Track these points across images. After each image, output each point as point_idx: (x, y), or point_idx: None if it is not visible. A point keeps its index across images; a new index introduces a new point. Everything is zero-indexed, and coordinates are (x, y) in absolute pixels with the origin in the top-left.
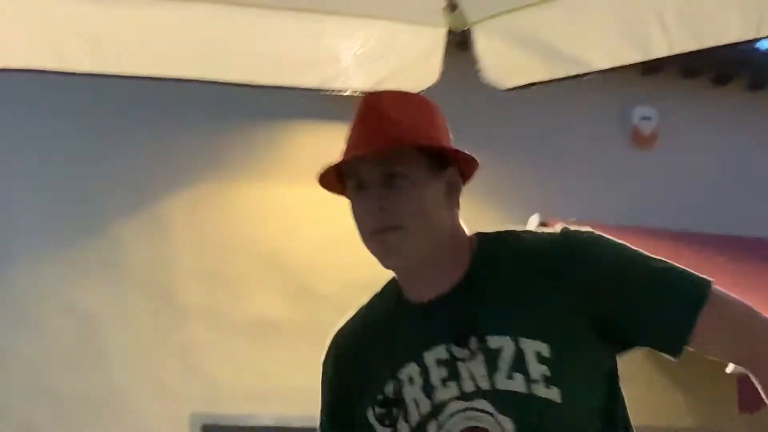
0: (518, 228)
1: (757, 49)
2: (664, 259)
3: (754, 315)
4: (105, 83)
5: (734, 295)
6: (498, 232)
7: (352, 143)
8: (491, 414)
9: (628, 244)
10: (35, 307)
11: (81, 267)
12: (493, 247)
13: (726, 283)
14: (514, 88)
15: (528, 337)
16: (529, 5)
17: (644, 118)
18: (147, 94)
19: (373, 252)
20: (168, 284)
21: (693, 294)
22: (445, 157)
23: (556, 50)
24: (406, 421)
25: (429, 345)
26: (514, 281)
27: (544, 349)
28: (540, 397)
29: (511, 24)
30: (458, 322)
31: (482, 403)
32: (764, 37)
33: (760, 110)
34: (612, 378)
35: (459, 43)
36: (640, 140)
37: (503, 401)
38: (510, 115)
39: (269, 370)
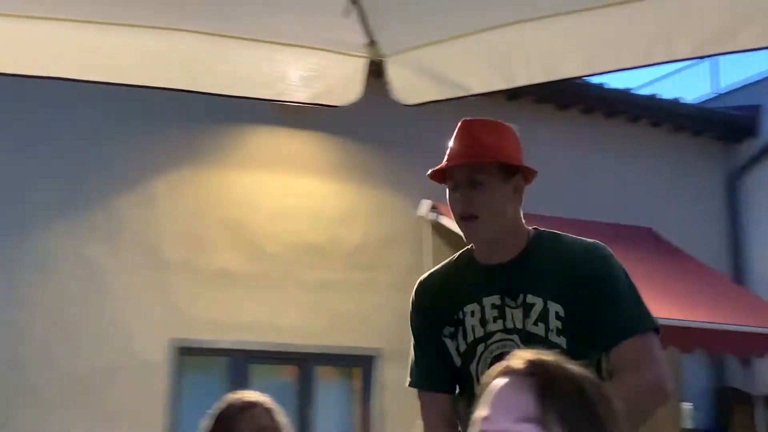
0: (562, 233)
1: (589, 83)
2: (636, 290)
3: (657, 369)
4: (110, 90)
5: (661, 352)
6: (549, 231)
7: (452, 154)
8: (518, 346)
9: (623, 268)
10: (51, 258)
11: (87, 229)
12: (543, 239)
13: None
14: (414, 105)
15: (553, 301)
16: (425, 45)
17: None
18: (142, 99)
19: (461, 229)
20: (154, 243)
21: (637, 322)
22: (514, 167)
23: (444, 78)
24: (465, 339)
25: (489, 293)
26: (551, 265)
27: (561, 310)
28: (552, 341)
29: (413, 58)
30: (511, 282)
31: (515, 338)
32: (596, 74)
33: (590, 128)
34: (599, 351)
35: (375, 71)
36: None
37: (527, 339)
38: (407, 120)
39: (229, 308)
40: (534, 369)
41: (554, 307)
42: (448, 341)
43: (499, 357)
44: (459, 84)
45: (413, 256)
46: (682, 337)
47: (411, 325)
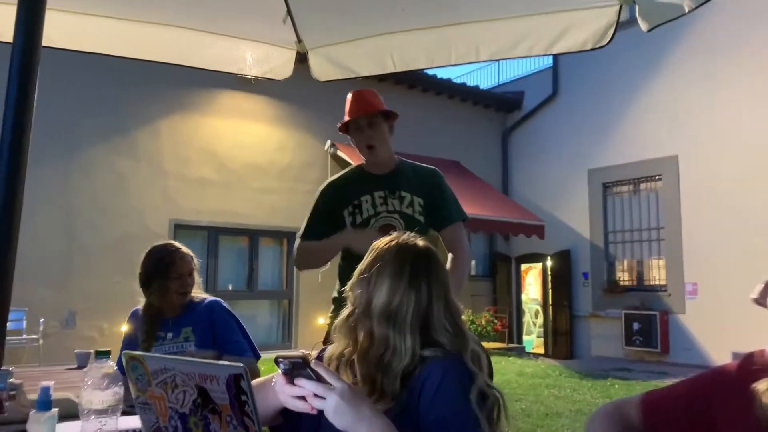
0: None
1: (427, 73)
2: (455, 195)
3: (466, 244)
4: (134, 62)
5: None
6: (401, 159)
7: (354, 110)
8: (397, 220)
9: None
10: (92, 166)
11: (116, 150)
12: (403, 161)
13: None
14: (325, 81)
15: (416, 195)
16: (333, 44)
17: None
18: (153, 69)
19: (365, 156)
20: (158, 160)
21: (457, 214)
22: (388, 114)
23: (343, 65)
24: (361, 216)
25: (377, 189)
26: (413, 175)
27: (421, 201)
28: (417, 219)
29: (325, 51)
30: (390, 183)
31: (396, 216)
32: (433, 67)
33: (425, 102)
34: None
35: (301, 58)
36: None
37: (402, 217)
38: (320, 90)
39: (206, 201)
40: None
41: (417, 199)
42: (346, 216)
43: (385, 226)
44: (352, 69)
45: (320, 173)
46: (472, 223)
47: (315, 205)
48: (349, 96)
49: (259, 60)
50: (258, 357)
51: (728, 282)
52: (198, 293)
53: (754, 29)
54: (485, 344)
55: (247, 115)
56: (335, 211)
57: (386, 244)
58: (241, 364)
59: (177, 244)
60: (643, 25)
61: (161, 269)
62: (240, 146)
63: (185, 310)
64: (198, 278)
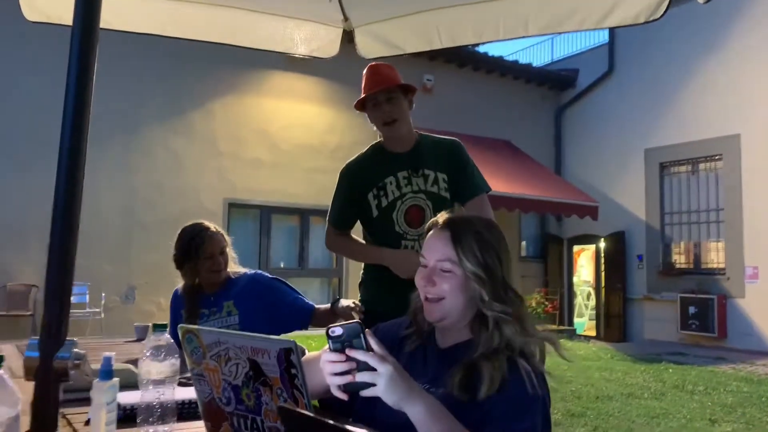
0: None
1: (477, 51)
2: (477, 168)
3: (491, 213)
4: (192, 44)
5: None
6: (420, 133)
7: (371, 84)
8: (424, 200)
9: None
10: (151, 146)
11: (173, 130)
12: (424, 137)
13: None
14: (371, 59)
15: (440, 171)
16: (379, 21)
17: (428, 79)
18: (208, 50)
19: (384, 133)
20: (213, 140)
21: (481, 186)
22: (408, 88)
23: (390, 42)
24: (386, 198)
25: (399, 169)
26: (434, 151)
27: (445, 177)
28: (443, 196)
29: (371, 29)
30: (413, 162)
31: (421, 195)
32: (482, 43)
33: (477, 80)
34: (462, 201)
35: (348, 37)
36: (425, 90)
37: (428, 196)
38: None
39: (259, 181)
40: (448, 224)
41: (441, 176)
42: (372, 200)
43: (412, 207)
44: (398, 46)
45: None
46: (523, 204)
47: (338, 189)
48: (365, 71)
49: (306, 39)
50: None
51: None
52: (235, 268)
53: None
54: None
55: (298, 95)
56: (360, 195)
57: None
58: (292, 339)
59: (207, 223)
60: None
61: (192, 250)
62: (291, 127)
63: (225, 285)
64: (233, 254)
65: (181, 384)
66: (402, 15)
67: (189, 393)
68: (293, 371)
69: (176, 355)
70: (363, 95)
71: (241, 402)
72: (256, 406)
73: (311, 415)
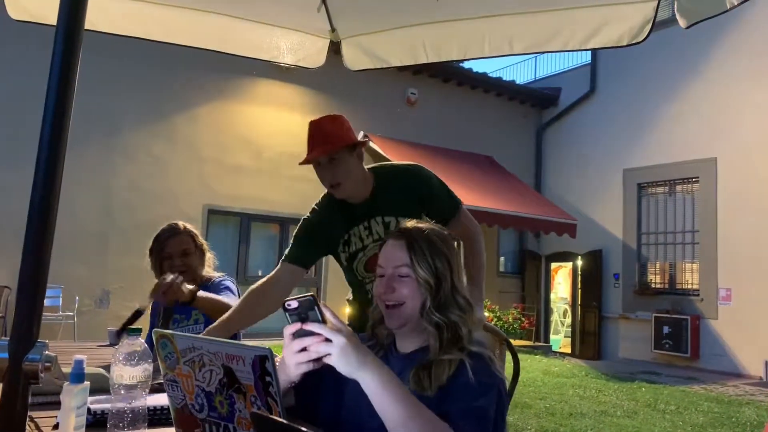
0: (384, 163)
1: (462, 67)
2: (443, 182)
3: (474, 222)
4: (176, 48)
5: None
6: (378, 166)
7: (312, 146)
8: None
9: (431, 172)
10: (132, 150)
11: (155, 134)
12: (379, 176)
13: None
14: (357, 70)
15: (401, 216)
16: (365, 33)
17: (412, 93)
18: (193, 55)
19: (332, 193)
20: (196, 146)
21: (454, 206)
22: (353, 143)
23: (376, 55)
24: (350, 250)
25: (360, 221)
26: (392, 193)
27: (411, 214)
28: None
29: (358, 41)
30: (371, 212)
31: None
32: (467, 59)
33: (461, 95)
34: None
35: (334, 48)
36: (409, 103)
37: None
38: (352, 79)
39: (240, 188)
40: (402, 232)
41: (401, 219)
42: (341, 253)
43: (373, 257)
44: (384, 59)
45: None
46: (502, 219)
47: (304, 232)
48: (309, 127)
49: (293, 48)
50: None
51: (764, 289)
52: (211, 273)
53: None
54: (511, 342)
55: (283, 103)
56: (330, 251)
57: None
58: (268, 347)
59: (181, 224)
60: (682, 22)
61: (155, 248)
62: (275, 135)
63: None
64: (211, 259)
65: (154, 390)
66: (389, 28)
67: (161, 399)
68: (268, 379)
69: (150, 360)
70: (306, 158)
71: (214, 409)
72: (229, 413)
73: (284, 422)
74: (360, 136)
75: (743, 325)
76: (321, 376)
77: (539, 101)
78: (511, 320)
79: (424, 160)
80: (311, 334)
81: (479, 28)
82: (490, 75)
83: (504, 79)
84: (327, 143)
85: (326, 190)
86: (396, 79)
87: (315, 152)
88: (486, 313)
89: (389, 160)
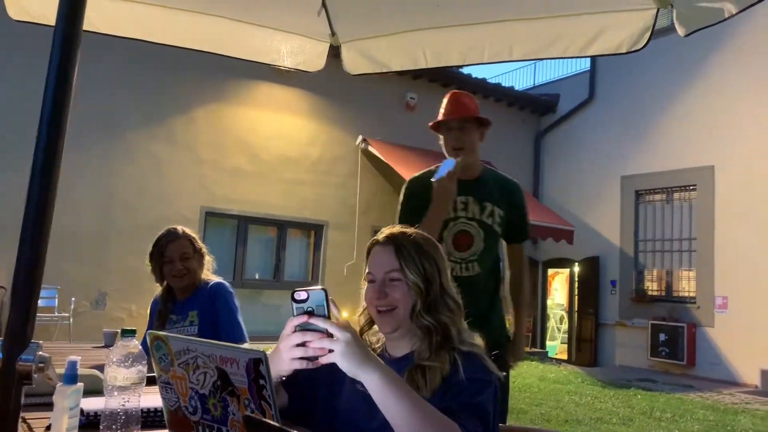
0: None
1: (462, 72)
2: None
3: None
4: (175, 51)
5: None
6: (487, 166)
7: (448, 111)
8: (476, 228)
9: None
10: (132, 150)
11: (155, 136)
12: (488, 169)
13: None
14: (357, 74)
15: (497, 207)
16: (366, 38)
17: (411, 97)
18: (193, 58)
19: (452, 156)
20: (194, 147)
21: (525, 233)
22: (482, 121)
23: (376, 59)
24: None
25: (460, 194)
26: (496, 185)
27: (502, 213)
28: (494, 229)
29: (358, 45)
30: (475, 191)
31: (473, 223)
32: (466, 65)
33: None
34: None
35: (335, 51)
36: (408, 107)
37: (480, 225)
38: (353, 84)
39: (238, 190)
40: (390, 238)
41: (498, 211)
42: None
43: (461, 231)
44: (384, 63)
45: (350, 167)
46: None
47: (403, 200)
48: (447, 96)
49: (293, 51)
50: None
51: (760, 298)
52: (210, 277)
53: None
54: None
55: (282, 107)
56: (420, 207)
57: None
58: (262, 349)
59: (180, 228)
60: (680, 30)
61: (155, 253)
62: (274, 138)
63: (194, 293)
64: (210, 263)
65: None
66: (389, 33)
67: (154, 401)
68: (262, 382)
69: (144, 362)
70: (439, 119)
71: (207, 411)
72: (222, 416)
73: (276, 425)
74: (359, 140)
75: (739, 334)
76: (316, 381)
77: (538, 107)
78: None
79: (423, 165)
80: (314, 328)
81: (479, 33)
82: (489, 81)
83: (503, 84)
84: (463, 111)
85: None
86: (395, 84)
87: (452, 114)
88: None
89: (389, 165)
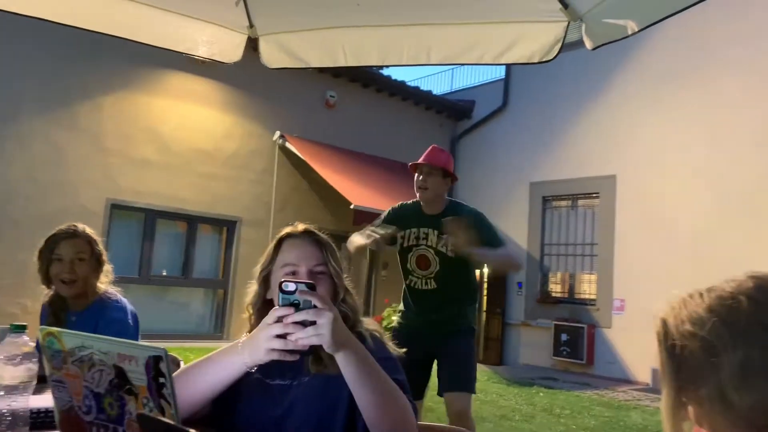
0: (457, 200)
1: (382, 73)
2: (495, 228)
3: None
4: (79, 34)
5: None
6: (451, 199)
7: (423, 157)
8: (432, 254)
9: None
10: (31, 138)
11: (56, 123)
12: (451, 203)
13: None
14: (275, 68)
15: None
16: (285, 32)
17: (331, 95)
18: (100, 42)
19: (417, 194)
20: (100, 136)
21: (498, 238)
22: (448, 173)
23: (295, 54)
24: (407, 242)
25: (425, 226)
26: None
27: None
28: (447, 254)
29: (276, 39)
30: (435, 224)
31: (431, 250)
32: (385, 66)
33: (379, 102)
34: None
35: (252, 44)
36: (328, 105)
37: (435, 251)
38: (271, 78)
39: (146, 182)
40: (307, 232)
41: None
42: (398, 238)
43: (420, 256)
44: (303, 59)
45: (267, 163)
46: None
47: (386, 214)
48: (429, 148)
49: (209, 41)
50: None
51: (653, 300)
52: (106, 288)
53: (697, 57)
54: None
55: (196, 98)
56: (396, 227)
57: None
58: (162, 347)
59: (79, 226)
60: (588, 44)
61: (45, 249)
62: (186, 129)
63: (91, 307)
64: (107, 271)
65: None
66: (309, 29)
67: (45, 401)
68: (162, 380)
69: (35, 359)
70: (417, 162)
71: (102, 411)
72: (118, 415)
73: (170, 422)
74: (276, 136)
75: (634, 334)
76: (239, 392)
77: (454, 112)
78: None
79: (341, 164)
80: (300, 321)
81: (398, 36)
82: (409, 84)
83: (422, 88)
84: (433, 160)
85: (412, 199)
86: (315, 81)
87: (425, 160)
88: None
89: (307, 163)
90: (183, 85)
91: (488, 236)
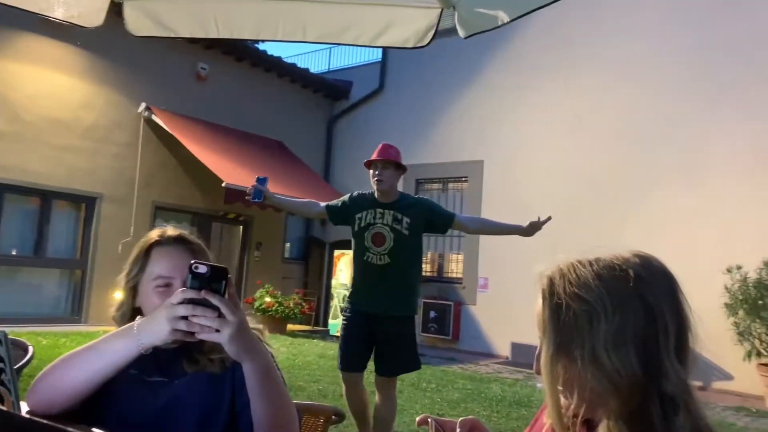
0: (408, 194)
1: (257, 48)
2: (444, 210)
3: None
4: None
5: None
6: (404, 193)
7: (376, 153)
8: (387, 230)
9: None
10: None
11: None
12: (403, 195)
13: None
14: (141, 36)
15: (406, 216)
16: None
17: (203, 68)
18: None
19: (374, 186)
20: None
21: (449, 216)
22: (399, 166)
23: (162, 22)
24: (364, 221)
25: (380, 207)
26: (407, 204)
27: (409, 221)
28: (402, 232)
29: (142, 5)
30: (391, 208)
31: (386, 228)
32: (260, 40)
33: (254, 77)
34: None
35: (116, 9)
36: (199, 78)
37: (391, 230)
38: (137, 46)
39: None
40: (181, 239)
41: (405, 219)
42: (357, 219)
43: (377, 233)
44: (171, 28)
45: (130, 136)
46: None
47: (344, 200)
48: (380, 145)
49: (67, 2)
50: None
51: (513, 279)
52: None
53: (561, 52)
54: (291, 326)
55: (52, 63)
56: (352, 212)
57: None
58: (4, 330)
59: None
60: (461, 32)
61: None
62: (39, 97)
63: None
64: None
65: None
66: None
67: None
68: (0, 365)
69: None
70: (371, 158)
71: None
72: None
73: (4, 409)
74: (142, 108)
75: (496, 311)
76: (110, 391)
77: (331, 92)
78: (292, 305)
79: (214, 140)
80: (206, 304)
81: (274, 10)
82: (286, 60)
83: (299, 65)
84: (386, 155)
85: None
86: (186, 52)
87: (378, 156)
88: (267, 299)
89: (174, 137)
90: (36, 48)
91: (443, 216)
